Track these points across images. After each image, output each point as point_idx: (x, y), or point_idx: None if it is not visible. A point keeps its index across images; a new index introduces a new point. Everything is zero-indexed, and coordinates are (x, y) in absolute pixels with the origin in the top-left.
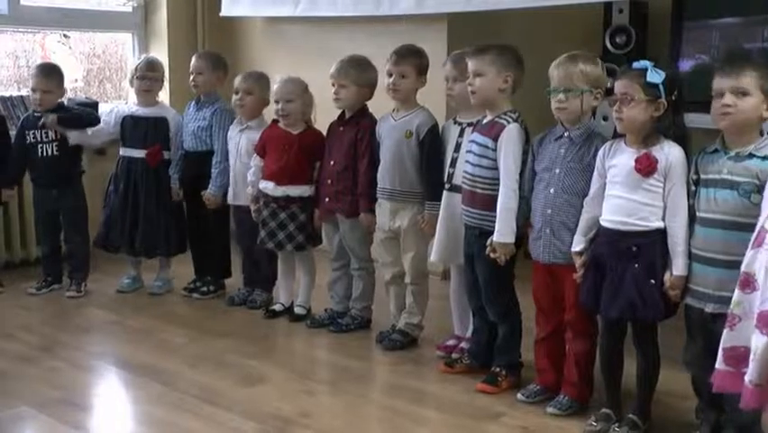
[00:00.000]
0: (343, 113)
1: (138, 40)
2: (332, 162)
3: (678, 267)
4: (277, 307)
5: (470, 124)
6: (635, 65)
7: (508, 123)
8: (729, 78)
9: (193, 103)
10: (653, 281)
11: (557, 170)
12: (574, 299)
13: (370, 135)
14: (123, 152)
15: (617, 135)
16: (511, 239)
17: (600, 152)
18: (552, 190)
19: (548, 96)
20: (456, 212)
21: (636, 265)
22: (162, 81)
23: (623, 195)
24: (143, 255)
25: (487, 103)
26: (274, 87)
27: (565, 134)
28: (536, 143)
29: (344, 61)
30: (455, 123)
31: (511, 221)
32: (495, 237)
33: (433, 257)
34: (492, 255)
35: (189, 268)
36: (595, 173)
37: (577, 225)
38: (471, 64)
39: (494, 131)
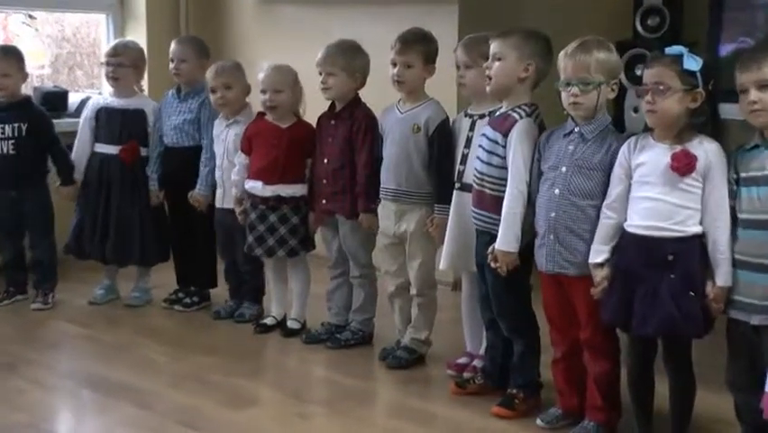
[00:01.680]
0: (333, 104)
1: (113, 21)
2: (325, 160)
3: (721, 277)
4: (268, 320)
5: (481, 116)
6: (669, 51)
7: (521, 117)
8: (750, 71)
9: (172, 93)
10: (692, 293)
11: (563, 169)
12: (588, 315)
13: (367, 127)
14: (95, 147)
15: (647, 129)
16: (514, 247)
17: (624, 149)
18: (556, 191)
19: (558, 89)
20: (467, 214)
21: (673, 276)
22: (134, 67)
23: (656, 196)
24: (115, 264)
25: (502, 92)
26: (260, 75)
27: (576, 130)
28: (543, 140)
29: (331, 47)
30: (466, 115)
31: (515, 227)
32: (497, 245)
33: (442, 265)
34: (493, 265)
35: (171, 277)
36: (617, 173)
37: (583, 231)
38: (493, 46)
39: (505, 125)
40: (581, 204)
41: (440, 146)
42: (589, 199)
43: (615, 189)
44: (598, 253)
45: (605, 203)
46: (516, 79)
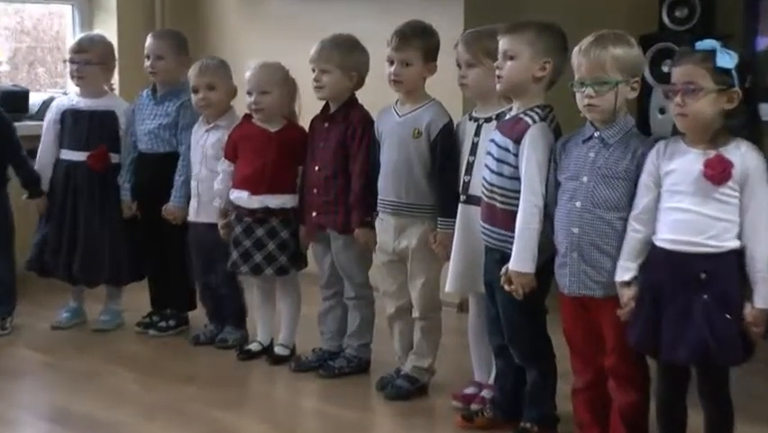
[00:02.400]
0: (328, 106)
1: (79, 12)
2: (316, 167)
3: (760, 298)
4: (253, 346)
5: (488, 120)
6: (700, 46)
7: (533, 121)
8: None
9: (147, 93)
10: (728, 316)
11: (585, 179)
12: (615, 339)
13: (363, 131)
14: (61, 154)
15: (675, 132)
16: (530, 268)
17: (652, 155)
18: (578, 204)
19: (572, 90)
20: (474, 229)
21: (706, 296)
22: (102, 65)
23: (688, 207)
24: (83, 283)
25: (514, 92)
26: (246, 74)
27: (595, 135)
28: (559, 148)
29: (326, 42)
30: (471, 119)
31: (531, 245)
32: (510, 265)
33: (448, 287)
34: (507, 287)
35: (145, 298)
36: (645, 181)
37: (611, 247)
38: (503, 43)
39: (516, 130)
40: (607, 217)
41: (443, 153)
42: (616, 211)
43: (642, 200)
44: (625, 270)
45: (632, 214)
46: (530, 79)
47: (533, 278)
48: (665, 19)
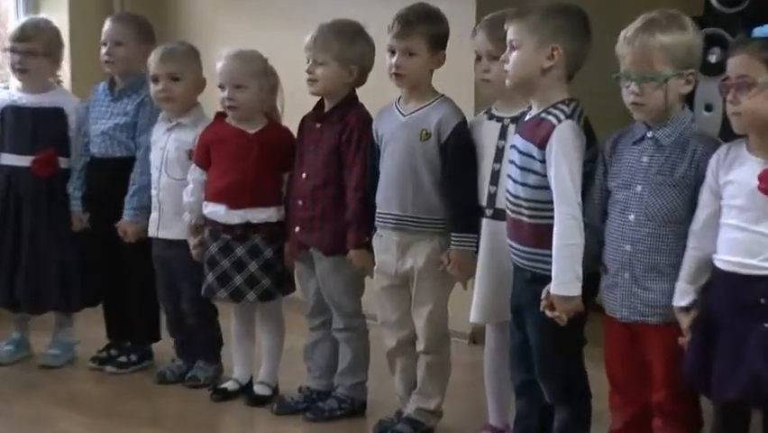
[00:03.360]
0: (322, 103)
1: None
2: (304, 175)
3: None
4: (229, 385)
5: (514, 120)
6: (757, 32)
7: (559, 120)
8: None
9: (104, 87)
10: None
11: (639, 188)
12: (665, 372)
13: (360, 134)
14: (0, 159)
15: (728, 134)
16: (576, 290)
17: (712, 163)
18: (631, 217)
19: (617, 83)
20: (504, 248)
21: (766, 325)
22: (49, 56)
23: (743, 225)
24: (27, 310)
25: (525, 90)
26: (218, 65)
27: (648, 135)
28: (608, 149)
29: (324, 28)
30: (491, 117)
31: (572, 263)
32: (552, 288)
33: (473, 317)
34: (549, 313)
35: (100, 328)
36: (705, 192)
37: (669, 267)
38: (509, 32)
39: (539, 133)
40: (664, 232)
41: (456, 157)
42: (673, 225)
43: (701, 214)
44: (683, 293)
45: (690, 229)
46: (538, 71)
47: (579, 301)
48: (713, 0)
